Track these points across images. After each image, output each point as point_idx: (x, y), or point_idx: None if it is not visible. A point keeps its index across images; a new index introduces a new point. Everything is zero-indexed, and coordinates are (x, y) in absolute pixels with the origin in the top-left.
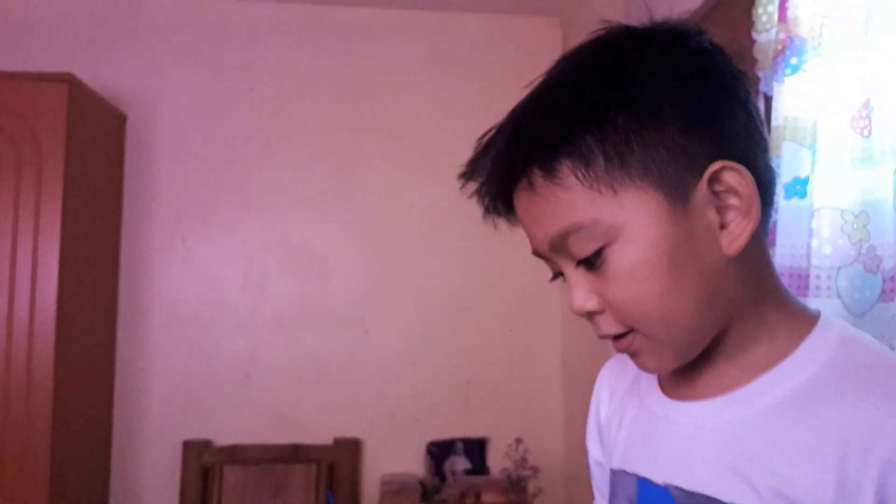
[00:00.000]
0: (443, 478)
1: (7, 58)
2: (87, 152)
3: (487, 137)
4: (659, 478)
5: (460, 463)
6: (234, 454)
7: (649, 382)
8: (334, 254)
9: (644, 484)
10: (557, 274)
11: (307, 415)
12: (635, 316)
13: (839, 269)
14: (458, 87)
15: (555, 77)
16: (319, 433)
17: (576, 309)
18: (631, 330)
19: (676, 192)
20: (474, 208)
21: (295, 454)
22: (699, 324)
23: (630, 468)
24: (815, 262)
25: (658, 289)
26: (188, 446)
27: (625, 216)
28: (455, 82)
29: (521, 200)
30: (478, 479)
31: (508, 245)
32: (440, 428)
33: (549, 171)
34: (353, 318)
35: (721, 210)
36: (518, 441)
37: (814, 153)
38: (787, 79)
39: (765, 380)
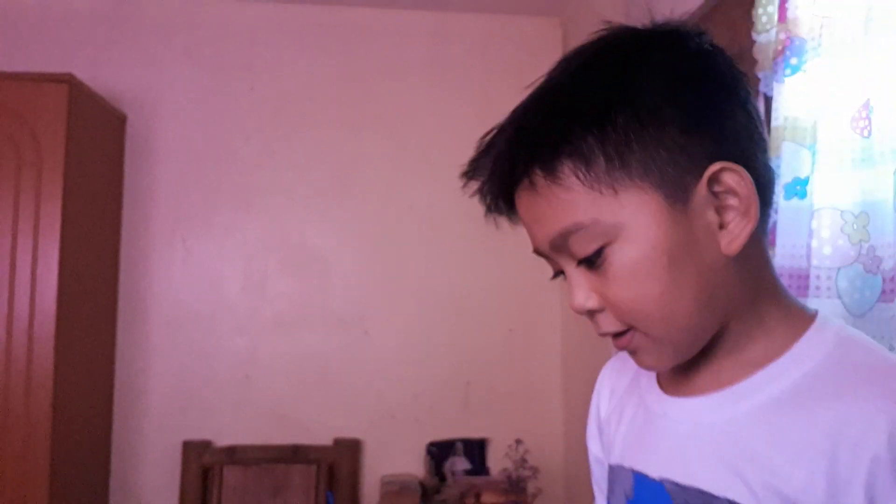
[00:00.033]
0: (443, 478)
1: (7, 58)
2: (86, 152)
3: (489, 137)
4: (654, 472)
5: (460, 463)
6: (234, 454)
7: (648, 380)
8: (334, 254)
9: (640, 478)
10: (558, 272)
11: (307, 415)
12: (635, 315)
13: (839, 269)
14: (459, 88)
15: (556, 77)
16: (319, 433)
17: (576, 307)
18: (630, 328)
19: (676, 192)
20: (474, 208)
21: (295, 455)
22: (698, 322)
23: (627, 463)
24: (815, 262)
25: (658, 288)
26: (188, 446)
27: (625, 216)
28: (455, 82)
29: (523, 200)
30: (478, 480)
31: (508, 245)
32: (440, 428)
33: (551, 172)
34: (353, 318)
35: (720, 210)
36: (518, 441)
37: (814, 153)
38: (787, 79)
39: (760, 376)
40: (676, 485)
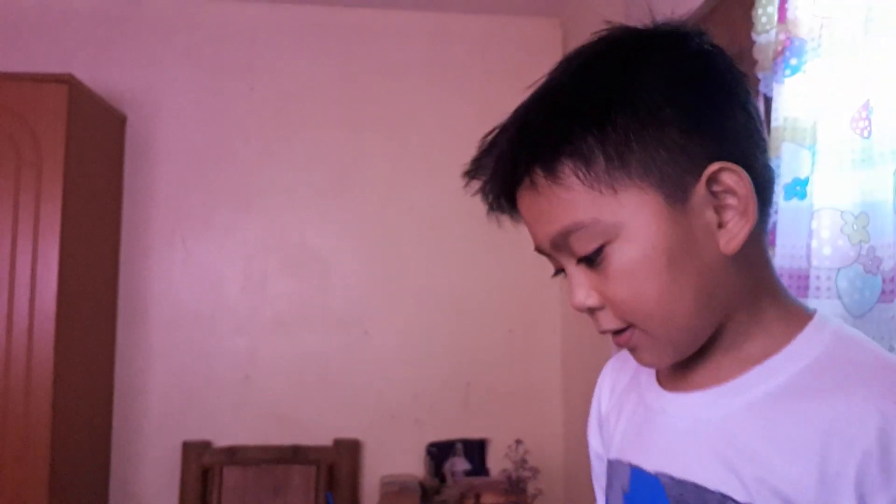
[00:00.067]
0: (442, 479)
1: (7, 58)
2: (86, 153)
3: (491, 137)
4: (651, 466)
5: (460, 464)
6: (234, 455)
7: (648, 377)
8: (334, 254)
9: (637, 472)
10: (559, 270)
11: (307, 415)
12: (634, 313)
13: (839, 269)
14: (459, 88)
15: (557, 78)
16: (319, 434)
17: (576, 305)
18: (630, 326)
19: (676, 191)
20: (475, 209)
21: (295, 455)
22: (697, 320)
23: (625, 458)
24: (815, 262)
25: (657, 287)
26: (188, 447)
27: (625, 215)
28: (455, 83)
29: (524, 199)
30: (477, 481)
31: (509, 245)
32: (440, 429)
33: (551, 172)
34: (353, 318)
35: (719, 210)
36: (518, 442)
37: (813, 154)
38: (786, 80)
39: (756, 373)
40: (672, 479)
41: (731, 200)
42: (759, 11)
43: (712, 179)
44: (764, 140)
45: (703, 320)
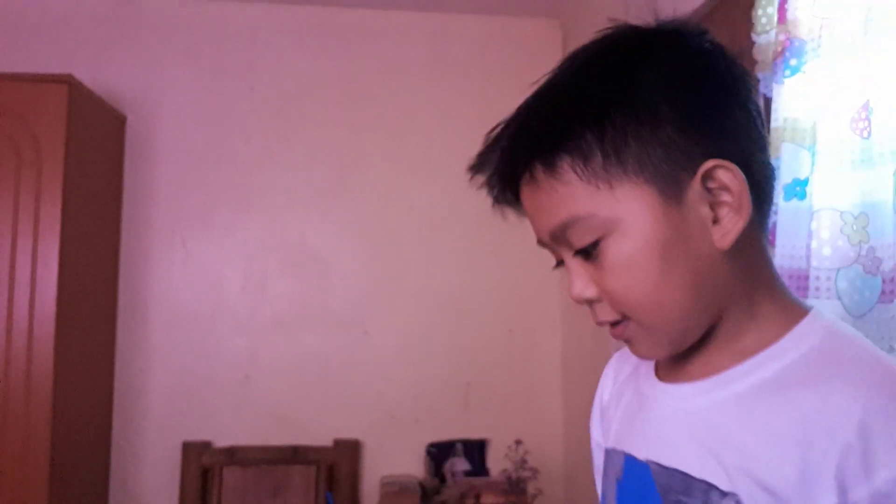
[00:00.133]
0: (442, 479)
1: (7, 58)
2: (86, 153)
3: (496, 132)
4: (642, 454)
5: (460, 464)
6: (234, 455)
7: (647, 368)
8: (334, 254)
9: (630, 460)
10: (560, 262)
11: (307, 416)
12: (628, 305)
13: (839, 270)
14: (459, 89)
15: (559, 75)
16: (319, 434)
17: (575, 296)
18: (625, 318)
19: (671, 187)
20: (474, 209)
21: (294, 455)
22: (690, 314)
23: (619, 446)
24: (814, 263)
25: (650, 280)
26: (188, 447)
27: (620, 210)
28: (455, 84)
29: (526, 193)
30: (477, 481)
31: (509, 246)
32: (440, 429)
33: (550, 167)
34: (353, 318)
35: (714, 206)
36: (518, 442)
37: (813, 154)
38: (786, 80)
39: (746, 365)
40: (660, 466)
41: (725, 197)
42: (759, 12)
43: (707, 176)
44: (764, 138)
45: (697, 314)
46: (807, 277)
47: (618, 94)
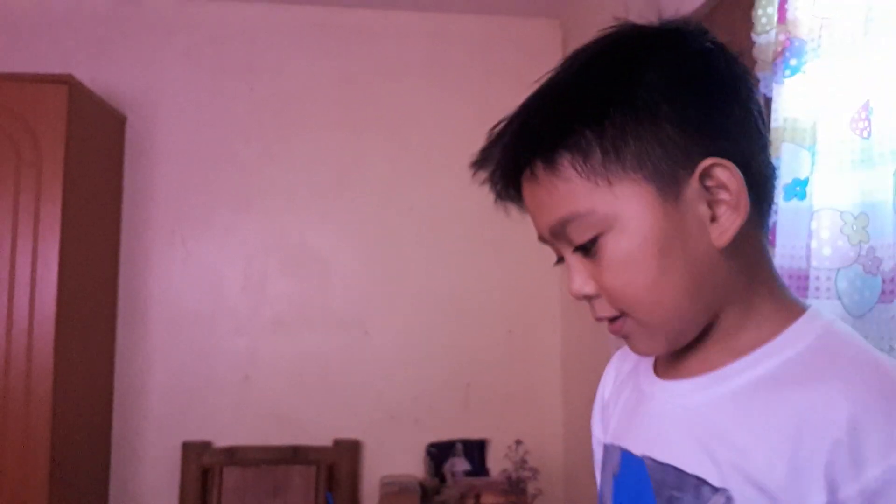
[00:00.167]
0: (442, 479)
1: (7, 59)
2: (86, 153)
3: (498, 128)
4: (638, 449)
5: (460, 464)
6: (234, 455)
7: (647, 365)
8: (334, 254)
9: (626, 455)
10: (561, 258)
11: (307, 416)
12: (627, 301)
13: (839, 270)
14: (458, 89)
15: (561, 74)
16: (319, 434)
17: (574, 292)
18: (623, 314)
19: (669, 185)
20: (474, 209)
21: (294, 455)
22: (687, 311)
23: (617, 441)
24: (814, 263)
25: (647, 277)
26: (188, 447)
27: (619, 207)
28: (455, 84)
29: (527, 189)
30: (477, 481)
31: (508, 246)
32: (440, 429)
33: (550, 163)
34: (352, 318)
35: (712, 204)
36: (518, 442)
37: (813, 154)
38: (786, 80)
39: (742, 362)
40: (655, 461)
41: (723, 195)
42: (759, 12)
43: (705, 174)
44: (763, 137)
45: (694, 311)
46: (807, 277)
47: (618, 93)
